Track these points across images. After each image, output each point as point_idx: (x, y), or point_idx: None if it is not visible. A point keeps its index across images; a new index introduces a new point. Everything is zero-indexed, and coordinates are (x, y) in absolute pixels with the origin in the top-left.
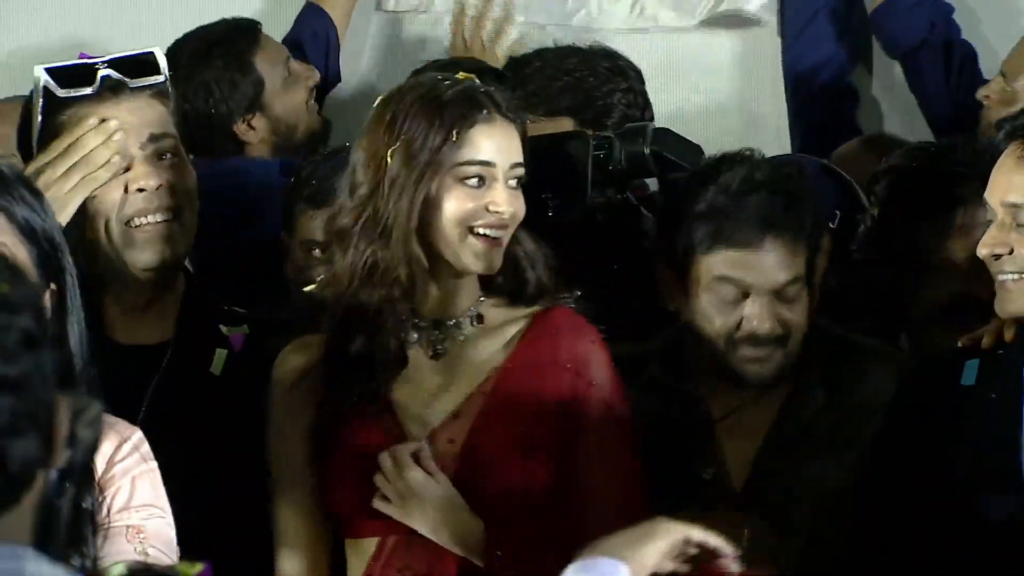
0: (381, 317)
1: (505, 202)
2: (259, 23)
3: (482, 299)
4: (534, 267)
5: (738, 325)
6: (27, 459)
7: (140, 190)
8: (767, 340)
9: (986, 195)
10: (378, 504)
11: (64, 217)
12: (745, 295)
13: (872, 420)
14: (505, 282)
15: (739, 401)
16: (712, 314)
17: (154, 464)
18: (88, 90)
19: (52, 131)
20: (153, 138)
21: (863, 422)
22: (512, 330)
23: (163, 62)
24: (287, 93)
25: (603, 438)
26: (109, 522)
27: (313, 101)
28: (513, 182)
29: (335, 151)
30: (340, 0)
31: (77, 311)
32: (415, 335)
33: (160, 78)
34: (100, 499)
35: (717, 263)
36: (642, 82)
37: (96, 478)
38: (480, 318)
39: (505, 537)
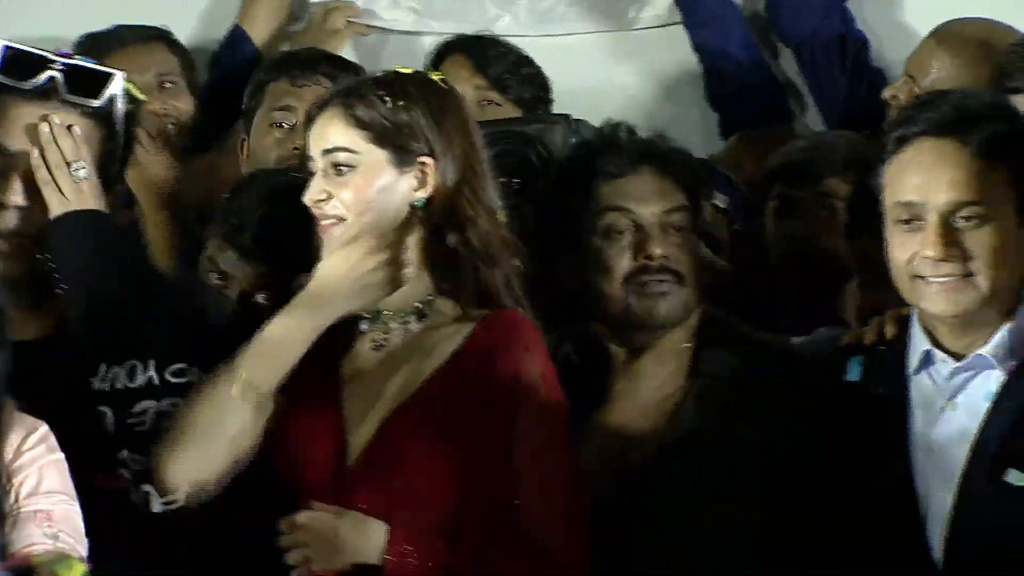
0: None
1: (314, 187)
2: (159, 31)
3: (430, 296)
4: (485, 269)
5: (635, 256)
6: None
7: (3, 205)
8: (664, 269)
9: (913, 196)
10: (303, 571)
11: None
12: (637, 227)
13: (756, 415)
14: (456, 282)
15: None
16: (609, 258)
17: (61, 456)
18: (23, 85)
19: None
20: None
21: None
22: (457, 330)
23: (114, 88)
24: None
25: (539, 442)
26: (18, 508)
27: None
28: (332, 169)
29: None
30: (263, 21)
31: None
32: (364, 324)
33: (95, 102)
34: (8, 487)
35: (600, 200)
36: None
37: (3, 468)
38: (423, 314)
39: (413, 536)
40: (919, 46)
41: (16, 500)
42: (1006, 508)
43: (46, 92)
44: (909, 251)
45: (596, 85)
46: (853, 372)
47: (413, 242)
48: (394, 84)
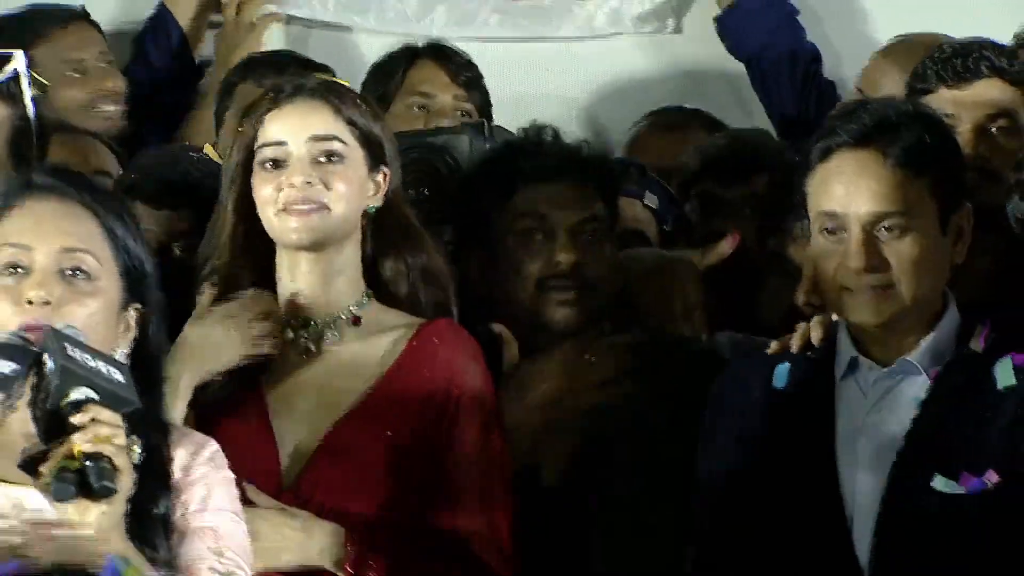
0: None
1: (297, 174)
2: (77, 12)
3: (362, 302)
4: (419, 278)
5: (545, 265)
6: None
7: None
8: (573, 277)
9: (836, 207)
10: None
11: None
12: (547, 234)
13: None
14: (389, 289)
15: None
16: (520, 261)
17: (230, 474)
18: None
19: None
20: None
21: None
22: (392, 337)
23: (16, 65)
24: (62, 90)
25: (471, 451)
26: (186, 523)
27: (106, 106)
28: (322, 157)
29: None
30: (187, 1)
31: (159, 329)
32: (289, 335)
33: None
34: (175, 503)
35: (517, 202)
36: None
37: (171, 483)
38: (357, 320)
39: (368, 543)
40: (869, 62)
41: (184, 515)
42: (932, 513)
43: None
44: (833, 261)
45: (521, 92)
46: (780, 379)
47: (351, 248)
48: (359, 92)
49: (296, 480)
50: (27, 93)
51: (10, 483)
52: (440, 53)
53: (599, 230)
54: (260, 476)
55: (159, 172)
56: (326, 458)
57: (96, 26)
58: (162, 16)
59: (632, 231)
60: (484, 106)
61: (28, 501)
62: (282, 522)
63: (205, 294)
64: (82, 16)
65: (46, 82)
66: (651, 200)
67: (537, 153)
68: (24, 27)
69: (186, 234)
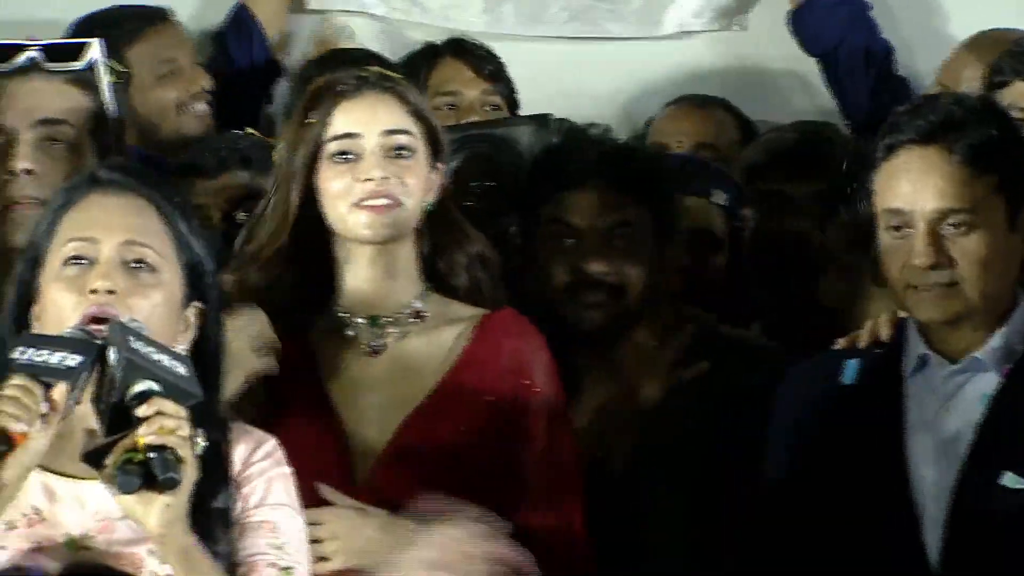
0: (293, 311)
1: (374, 168)
2: (165, 11)
3: (423, 296)
4: (478, 268)
5: (573, 272)
6: None
7: (11, 172)
8: (602, 285)
9: (901, 204)
10: (327, 567)
11: None
12: (578, 241)
13: (733, 412)
14: (449, 282)
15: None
16: (550, 267)
17: (288, 469)
18: (5, 68)
19: None
20: (44, 122)
21: (719, 412)
22: (456, 330)
23: (94, 53)
24: (153, 90)
25: (547, 444)
26: (246, 517)
27: (199, 105)
28: (394, 151)
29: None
30: (267, 1)
31: (221, 333)
32: (350, 332)
33: (77, 64)
34: (236, 497)
35: (549, 209)
36: None
37: (231, 478)
38: (420, 315)
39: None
40: (951, 55)
41: (244, 510)
42: (1002, 511)
43: (28, 68)
44: (899, 259)
45: (586, 90)
46: (848, 375)
47: (411, 243)
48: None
49: (367, 477)
50: (105, 81)
51: (73, 477)
52: (461, 49)
53: (632, 234)
54: (330, 475)
55: (210, 144)
56: (397, 454)
57: (179, 24)
58: (242, 14)
59: (700, 229)
60: (511, 96)
61: (90, 495)
62: (362, 523)
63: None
64: (168, 15)
65: (124, 69)
66: (719, 197)
67: (574, 158)
68: (116, 26)
69: (246, 199)
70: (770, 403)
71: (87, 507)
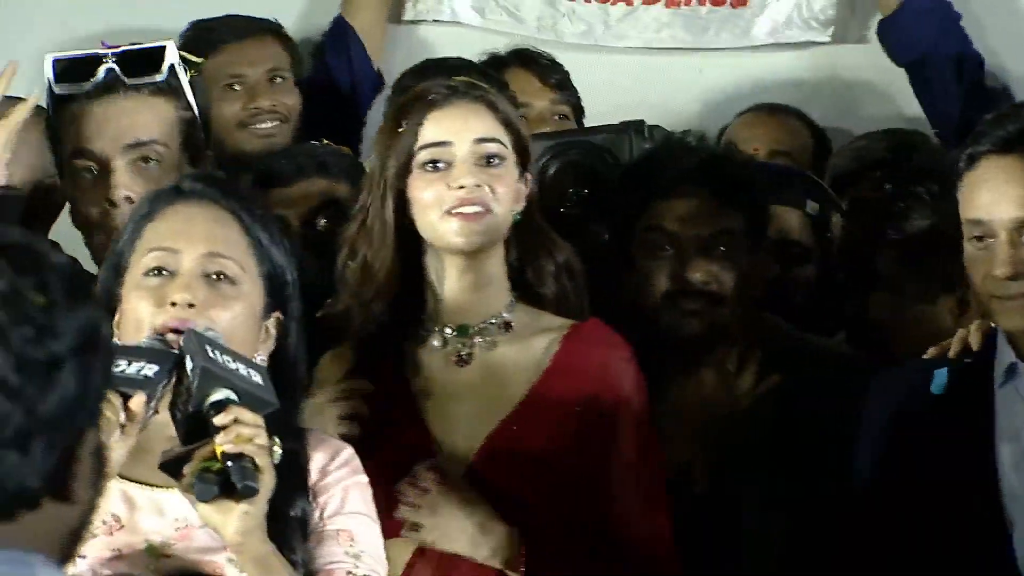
0: (388, 322)
1: (466, 176)
2: (267, 23)
3: (512, 305)
4: (565, 277)
5: (673, 280)
6: (20, 477)
7: (111, 202)
8: (701, 293)
9: (982, 214)
10: (409, 534)
11: None
12: (677, 249)
13: (818, 425)
14: (536, 291)
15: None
16: (649, 275)
17: (365, 479)
18: (85, 86)
19: (55, 130)
20: (136, 145)
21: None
22: (545, 340)
23: (171, 57)
24: (217, 104)
25: (635, 455)
26: (322, 526)
27: (262, 124)
28: (485, 159)
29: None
30: (366, 13)
31: (300, 343)
32: (437, 342)
33: (158, 76)
34: (313, 506)
35: (649, 215)
36: None
37: (308, 487)
38: (508, 325)
39: (537, 546)
40: None
41: (321, 518)
42: None
43: (110, 85)
44: (982, 269)
45: (676, 100)
46: (938, 384)
47: (500, 252)
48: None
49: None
50: (184, 81)
51: (152, 485)
52: (528, 58)
53: (732, 243)
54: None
55: (286, 152)
56: (486, 464)
57: (284, 38)
58: (341, 26)
59: (788, 241)
60: (578, 105)
61: (169, 503)
62: (462, 513)
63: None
64: (268, 29)
65: (197, 59)
66: (811, 207)
67: (671, 165)
68: (201, 39)
69: (324, 206)
70: (854, 413)
71: (166, 515)
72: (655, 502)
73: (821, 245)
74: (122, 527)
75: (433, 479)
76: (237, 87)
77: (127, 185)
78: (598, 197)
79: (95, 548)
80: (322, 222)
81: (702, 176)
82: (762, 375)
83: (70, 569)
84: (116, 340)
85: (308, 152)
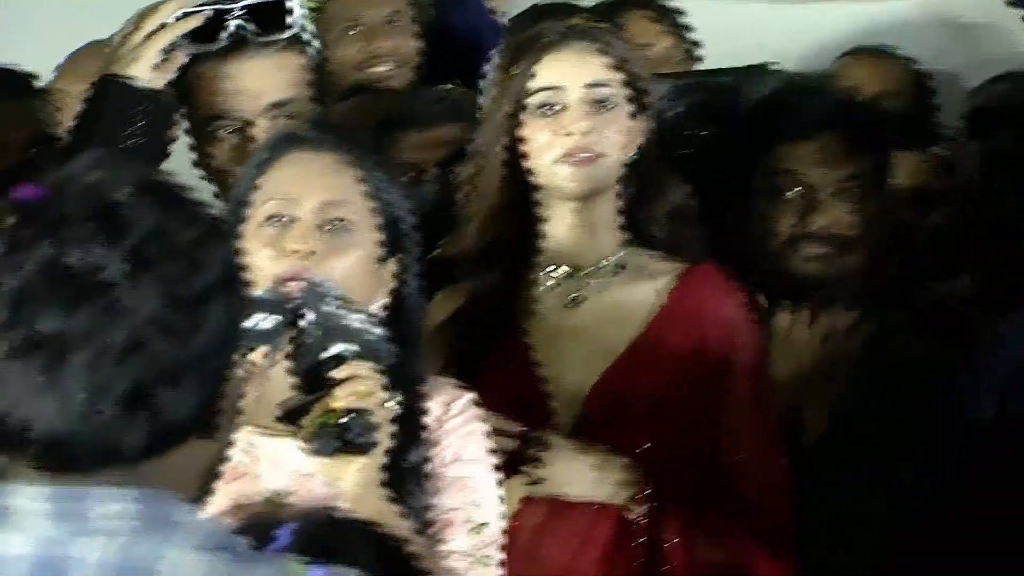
0: (500, 263)
1: (579, 121)
2: None
3: (624, 248)
4: (678, 220)
5: (797, 224)
6: (173, 412)
7: None
8: (826, 238)
9: None
10: (531, 491)
11: None
12: (807, 193)
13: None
14: (649, 233)
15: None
16: (773, 219)
17: (482, 425)
18: (214, 46)
19: (182, 91)
20: (276, 104)
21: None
22: (658, 282)
23: (296, 9)
24: (336, 47)
25: (750, 398)
26: (440, 474)
27: (380, 67)
28: (598, 103)
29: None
30: None
31: (417, 287)
32: (549, 284)
33: (287, 31)
34: (430, 453)
35: (774, 159)
36: None
37: (426, 434)
38: (621, 267)
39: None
40: None
41: (438, 466)
42: None
43: (239, 44)
44: None
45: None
46: None
47: (613, 195)
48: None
49: (569, 428)
50: (308, 27)
51: (271, 433)
52: (644, 2)
53: (861, 187)
54: (533, 425)
55: (420, 96)
56: (598, 405)
57: None
58: None
59: (913, 187)
60: (693, 49)
61: (288, 452)
62: (576, 455)
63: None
64: None
65: (317, 2)
66: (939, 151)
67: (798, 108)
68: None
69: (459, 153)
70: (975, 359)
71: (285, 464)
72: (770, 446)
73: (946, 190)
74: (243, 475)
75: (544, 430)
76: (355, 30)
77: None
78: (722, 138)
79: (216, 495)
80: (455, 169)
81: (829, 119)
82: (882, 325)
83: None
84: None
85: (440, 97)
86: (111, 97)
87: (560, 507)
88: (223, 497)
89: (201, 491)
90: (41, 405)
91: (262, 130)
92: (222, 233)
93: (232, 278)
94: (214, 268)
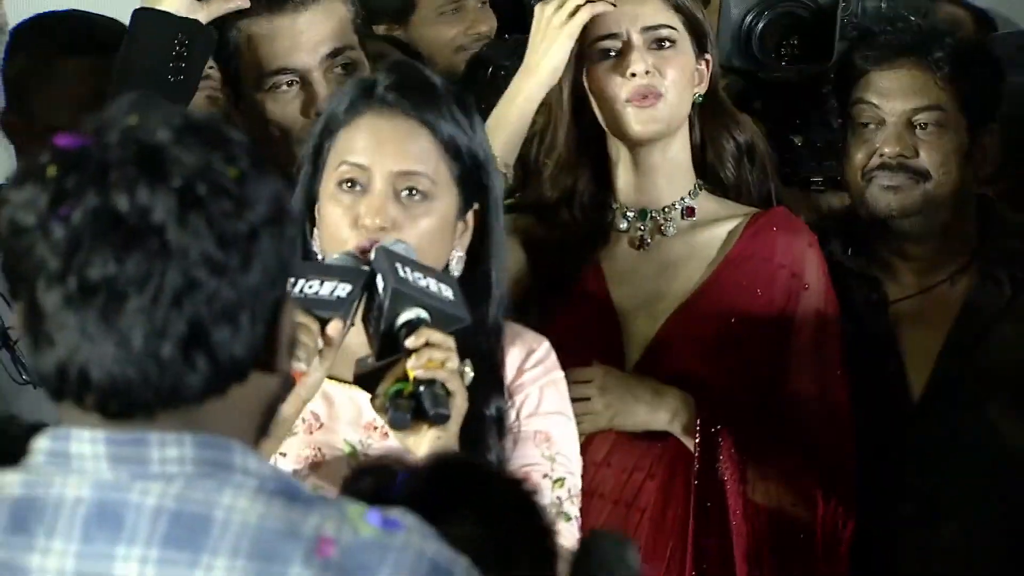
0: (575, 209)
1: (638, 63)
2: None
3: (695, 191)
4: (746, 158)
5: (871, 154)
6: (231, 350)
7: (318, 114)
8: (898, 166)
9: None
10: (588, 427)
11: None
12: (881, 123)
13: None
14: (717, 174)
15: (916, 289)
16: (851, 148)
17: (561, 375)
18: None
19: (227, 48)
20: (332, 54)
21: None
22: (728, 226)
23: None
24: (434, 26)
25: (814, 341)
26: (518, 427)
27: (476, 48)
28: (655, 45)
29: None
30: None
31: (498, 232)
32: (623, 226)
33: None
34: (509, 405)
35: (856, 88)
36: None
37: (505, 385)
38: (691, 211)
39: (716, 411)
40: None
41: (517, 418)
42: None
43: None
44: None
45: None
46: None
47: (682, 138)
48: None
49: (638, 366)
50: None
51: (349, 383)
52: None
53: (941, 120)
54: (603, 360)
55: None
56: (667, 345)
57: None
58: None
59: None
60: None
61: (366, 403)
62: (634, 384)
63: None
64: None
65: None
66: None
67: (882, 37)
68: None
69: None
70: None
71: (363, 415)
72: (833, 386)
73: None
74: (321, 426)
75: (595, 365)
76: (454, 9)
77: (325, 96)
78: (812, 48)
79: (294, 446)
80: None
81: (917, 46)
82: (980, 273)
83: (273, 462)
84: (318, 254)
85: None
86: (148, 28)
87: (620, 440)
88: (302, 448)
89: (262, 426)
90: (99, 351)
91: (321, 81)
92: (265, 168)
93: (279, 213)
94: (261, 204)
